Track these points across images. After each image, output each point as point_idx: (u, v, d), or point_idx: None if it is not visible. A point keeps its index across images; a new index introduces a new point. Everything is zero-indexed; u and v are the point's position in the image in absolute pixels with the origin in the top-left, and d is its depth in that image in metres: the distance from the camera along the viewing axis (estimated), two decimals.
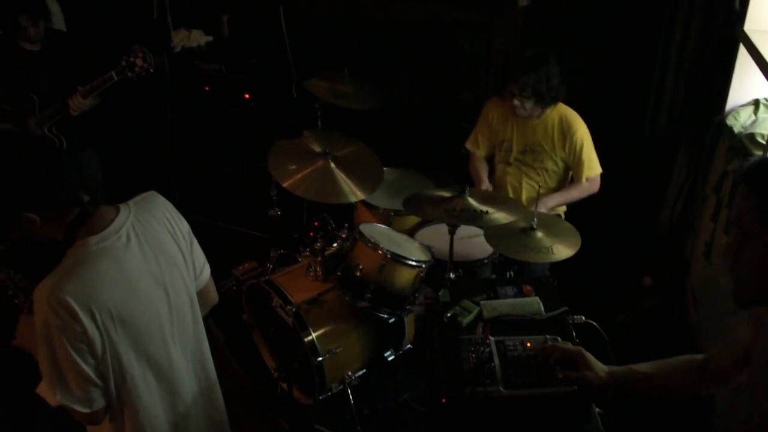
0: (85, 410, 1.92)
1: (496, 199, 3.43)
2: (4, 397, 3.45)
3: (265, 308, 3.68)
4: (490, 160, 4.13)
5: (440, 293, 2.59)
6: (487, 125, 4.02)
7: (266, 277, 3.65)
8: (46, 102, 4.19)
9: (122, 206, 2.04)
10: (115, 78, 4.02)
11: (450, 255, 3.37)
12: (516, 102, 3.69)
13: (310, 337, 3.37)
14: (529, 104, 3.70)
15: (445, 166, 4.77)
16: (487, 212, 3.20)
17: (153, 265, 2.01)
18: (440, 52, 5.05)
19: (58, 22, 4.87)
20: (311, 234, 4.63)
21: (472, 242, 3.75)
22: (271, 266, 4.40)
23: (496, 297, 2.58)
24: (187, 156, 5.31)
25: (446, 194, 3.39)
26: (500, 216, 3.21)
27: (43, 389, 1.93)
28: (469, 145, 4.12)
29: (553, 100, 3.74)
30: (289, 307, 3.42)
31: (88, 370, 1.88)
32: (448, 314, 2.46)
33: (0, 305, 2.20)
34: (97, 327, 1.85)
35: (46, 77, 4.21)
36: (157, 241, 2.04)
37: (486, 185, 3.99)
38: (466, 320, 2.44)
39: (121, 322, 1.91)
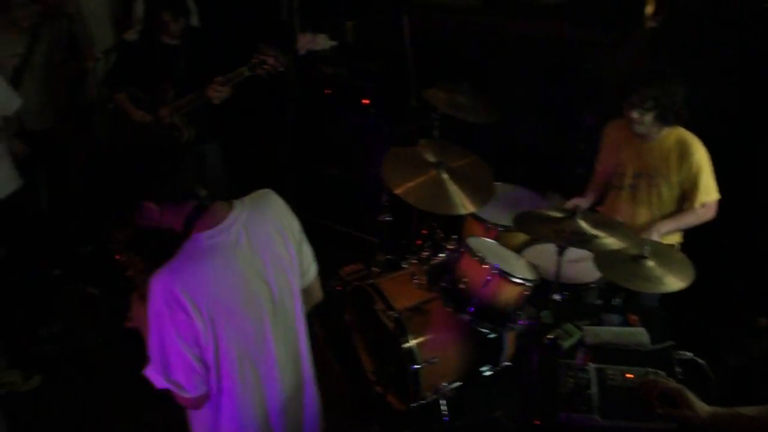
0: (186, 395, 2.03)
1: (608, 223, 3.36)
2: (114, 374, 3.60)
3: (368, 311, 3.74)
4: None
5: (543, 314, 2.58)
6: (604, 147, 3.96)
7: (371, 281, 3.71)
8: (179, 92, 4.41)
9: (237, 203, 2.13)
10: (246, 74, 4.19)
11: (556, 276, 3.33)
12: (635, 115, 3.57)
13: (409, 344, 3.40)
14: (648, 118, 3.56)
15: (558, 186, 4.71)
16: (597, 236, 3.15)
17: (260, 262, 2.09)
18: (561, 70, 4.98)
19: (194, 19, 5.12)
20: (418, 242, 4.66)
21: (580, 265, 3.68)
22: (377, 270, 4.46)
23: (600, 324, 2.56)
24: (305, 156, 5.44)
25: (557, 215, 3.36)
26: (611, 241, 3.14)
27: (150, 372, 2.04)
28: (596, 164, 4.07)
29: (675, 118, 3.60)
30: (391, 312, 3.46)
31: (193, 359, 1.98)
32: (550, 336, 2.45)
33: (119, 286, 2.34)
34: (204, 319, 1.95)
35: (182, 70, 4.44)
36: (267, 240, 2.12)
37: (578, 201, 3.92)
38: (567, 344, 2.43)
39: (227, 316, 2.00)
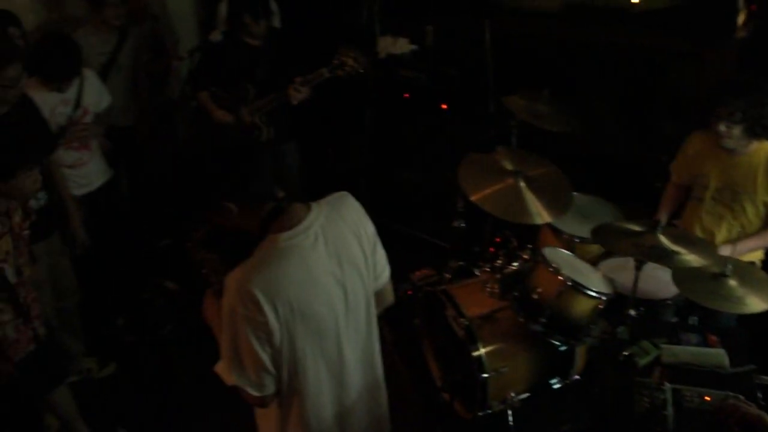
0: (256, 393, 2.06)
1: (689, 239, 3.26)
2: (187, 368, 3.67)
3: (438, 317, 3.73)
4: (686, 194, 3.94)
5: (619, 330, 2.53)
6: (684, 157, 3.85)
7: (443, 287, 3.69)
8: (259, 92, 4.49)
9: (314, 205, 2.15)
10: (327, 75, 4.24)
11: (633, 291, 3.25)
12: (722, 128, 3.45)
13: (478, 353, 3.38)
14: (736, 131, 3.44)
15: (638, 198, 4.60)
16: (678, 252, 3.06)
17: (335, 264, 2.10)
18: (645, 79, 4.88)
19: (275, 20, 5.20)
20: (491, 249, 4.62)
21: (657, 280, 3.59)
22: (449, 276, 4.44)
23: (678, 342, 2.49)
24: (381, 158, 5.46)
25: (637, 228, 3.28)
26: (692, 258, 3.05)
27: (221, 368, 2.08)
28: (672, 169, 3.97)
29: (764, 132, 3.47)
30: (461, 319, 3.45)
31: (265, 358, 2.01)
32: (625, 353, 2.39)
33: (196, 282, 2.38)
34: (278, 319, 1.97)
35: (263, 70, 4.51)
36: (342, 243, 2.13)
37: (662, 215, 3.82)
38: (643, 361, 2.37)
39: (301, 317, 2.02)
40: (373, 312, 2.29)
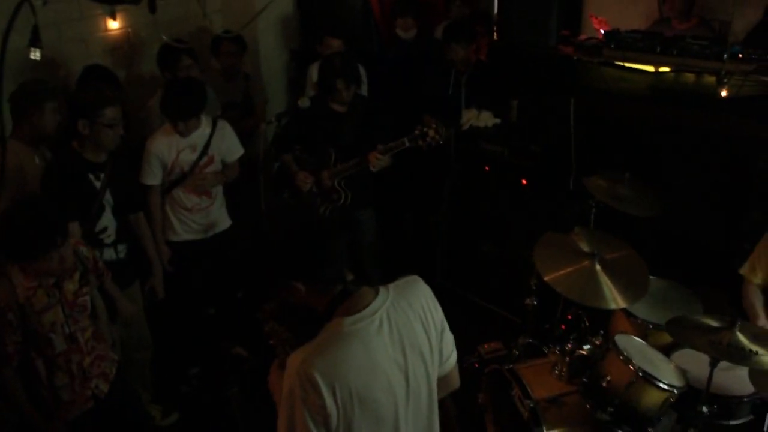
0: None
1: None
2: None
3: (503, 395, 3.69)
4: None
5: None
6: (767, 251, 3.75)
7: (510, 366, 3.67)
8: (341, 157, 4.60)
9: (382, 289, 2.16)
10: (407, 144, 4.34)
11: (707, 388, 3.16)
12: None
13: None
14: None
15: (717, 286, 4.49)
16: (757, 353, 2.97)
17: (398, 351, 2.11)
18: (732, 166, 4.79)
19: (363, 88, 5.34)
20: (563, 327, 4.57)
21: (734, 375, 3.48)
22: (517, 353, 4.40)
23: None
24: (457, 229, 5.48)
25: (714, 323, 3.19)
26: None
27: None
28: (743, 272, 3.84)
29: None
30: (527, 401, 3.42)
31: None
32: None
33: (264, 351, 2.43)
34: (336, 404, 1.98)
35: (347, 136, 4.63)
36: (408, 330, 2.13)
37: (763, 322, 3.67)
38: None
39: (360, 403, 2.02)
40: (435, 398, 2.27)
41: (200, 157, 4.25)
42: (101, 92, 3.71)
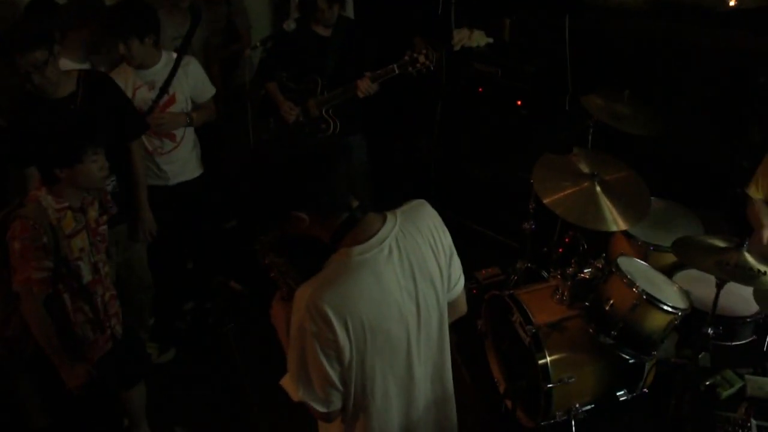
0: (322, 410, 2.00)
1: None
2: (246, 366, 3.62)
3: (503, 321, 3.66)
4: None
5: (701, 356, 2.41)
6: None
7: (511, 291, 3.63)
8: (328, 85, 4.44)
9: (389, 215, 2.07)
10: (397, 71, 4.18)
11: (712, 310, 3.11)
12: None
13: (544, 361, 3.32)
14: None
15: (717, 206, 4.43)
16: (765, 273, 2.92)
17: (409, 279, 2.03)
18: (731, 83, 4.68)
19: (348, 9, 5.13)
20: (560, 250, 4.52)
21: (736, 296, 3.44)
22: (515, 278, 4.36)
23: (765, 373, 2.35)
24: (451, 153, 5.37)
25: (721, 244, 3.14)
26: None
27: (287, 383, 2.02)
28: (749, 191, 3.77)
29: None
30: (529, 326, 3.38)
31: (333, 375, 1.95)
32: (707, 382, 2.28)
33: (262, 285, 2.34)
34: (349, 337, 1.91)
35: (332, 62, 4.45)
36: (417, 256, 2.05)
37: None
38: (726, 393, 2.26)
39: (372, 333, 1.96)
40: (446, 326, 2.21)
41: (160, 96, 3.91)
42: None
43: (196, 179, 4.23)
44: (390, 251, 1.99)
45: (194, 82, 4.04)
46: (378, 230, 2.00)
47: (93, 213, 3.16)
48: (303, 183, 1.95)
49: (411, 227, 2.06)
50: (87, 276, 3.11)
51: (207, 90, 4.14)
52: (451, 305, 2.26)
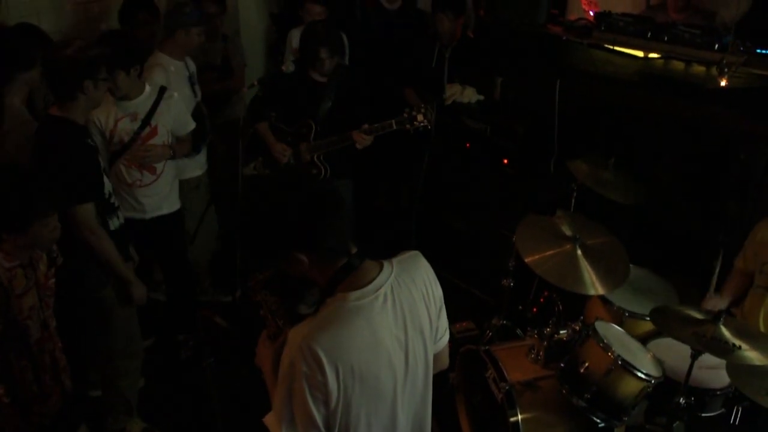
0: None
1: (752, 333, 3.14)
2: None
3: (477, 376, 3.66)
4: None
5: (675, 425, 2.43)
6: (752, 244, 3.72)
7: (487, 347, 3.63)
8: (321, 130, 4.47)
9: (385, 264, 2.09)
10: (394, 127, 4.27)
11: (686, 380, 3.14)
12: None
13: (515, 418, 3.32)
14: None
15: (693, 275, 4.50)
16: (740, 347, 2.95)
17: (401, 328, 2.05)
18: (712, 157, 4.79)
19: (345, 57, 5.20)
20: (534, 309, 4.54)
21: (708, 368, 3.46)
22: (490, 334, 4.37)
23: None
24: (433, 203, 5.41)
25: (698, 315, 3.18)
26: (754, 355, 2.93)
27: (271, 421, 2.02)
28: (736, 261, 3.83)
29: None
30: (503, 383, 3.39)
31: (318, 417, 1.94)
32: None
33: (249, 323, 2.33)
34: (338, 382, 1.92)
35: (327, 107, 4.49)
36: (411, 306, 2.07)
37: (716, 301, 3.71)
38: None
39: (360, 380, 1.96)
40: (431, 377, 2.23)
41: (142, 128, 3.90)
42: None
43: (174, 214, 4.23)
44: (385, 299, 2.01)
45: (176, 116, 4.06)
46: (374, 278, 2.02)
47: (43, 267, 3.08)
48: (313, 224, 1.97)
49: (406, 277, 2.09)
50: (36, 334, 3.04)
51: (188, 124, 4.18)
52: (435, 357, 2.27)
